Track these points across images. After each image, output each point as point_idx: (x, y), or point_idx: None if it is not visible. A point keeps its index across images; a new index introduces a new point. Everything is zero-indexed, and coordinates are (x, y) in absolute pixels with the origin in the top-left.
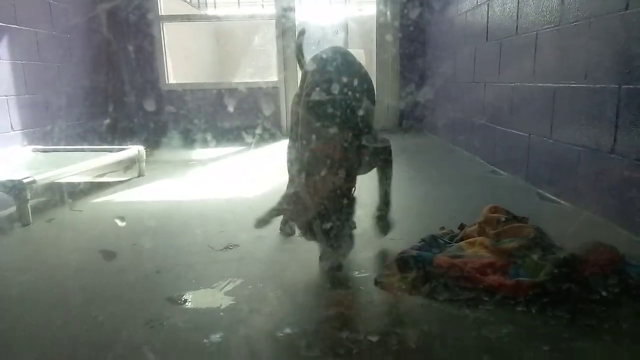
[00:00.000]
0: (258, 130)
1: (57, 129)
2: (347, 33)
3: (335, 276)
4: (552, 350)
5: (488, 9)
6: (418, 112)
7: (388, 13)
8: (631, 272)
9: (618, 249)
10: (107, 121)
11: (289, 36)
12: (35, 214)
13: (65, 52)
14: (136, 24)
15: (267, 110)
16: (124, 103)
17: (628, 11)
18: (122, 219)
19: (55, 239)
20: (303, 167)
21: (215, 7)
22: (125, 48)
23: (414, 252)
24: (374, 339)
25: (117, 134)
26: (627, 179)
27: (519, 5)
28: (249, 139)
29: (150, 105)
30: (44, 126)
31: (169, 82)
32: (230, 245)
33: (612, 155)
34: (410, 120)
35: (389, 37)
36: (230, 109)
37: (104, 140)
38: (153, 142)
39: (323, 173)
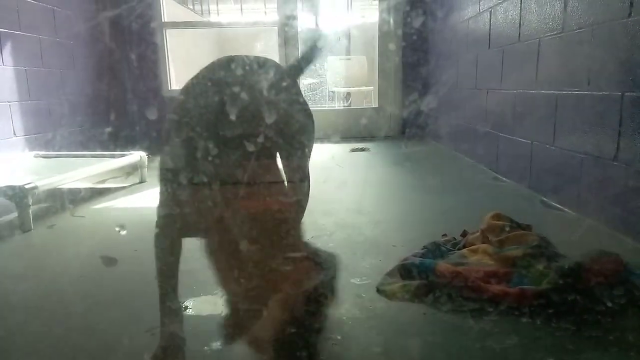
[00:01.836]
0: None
1: (59, 136)
2: (350, 40)
3: None
4: None
5: (490, 17)
6: (421, 120)
7: (391, 21)
8: (636, 282)
9: (622, 257)
10: (109, 129)
11: (292, 44)
12: (36, 220)
13: (69, 59)
14: (139, 31)
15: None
16: (126, 111)
17: (631, 19)
18: (122, 227)
19: (56, 245)
20: None
21: (218, 14)
22: (128, 56)
23: (417, 260)
24: (377, 349)
25: (119, 142)
26: (631, 187)
27: (522, 12)
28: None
29: (152, 114)
30: (46, 133)
31: (172, 88)
32: None
33: (615, 163)
34: (413, 128)
35: (392, 46)
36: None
37: (105, 148)
38: (155, 149)
39: None
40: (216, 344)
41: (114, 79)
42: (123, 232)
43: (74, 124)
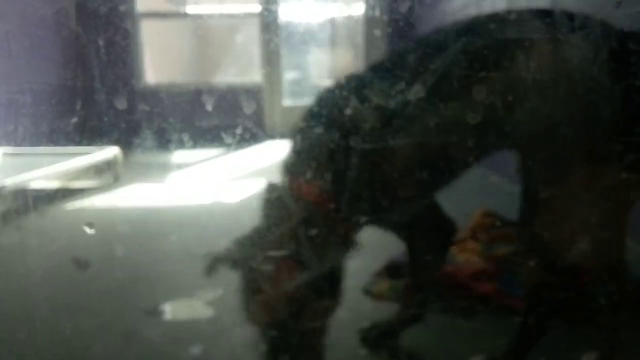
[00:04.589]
0: (238, 131)
1: (21, 127)
2: (335, 32)
3: None
4: None
5: (477, 9)
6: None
7: (376, 7)
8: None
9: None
10: (75, 120)
11: (273, 34)
12: (2, 220)
13: (34, 49)
14: (107, 15)
15: (248, 111)
16: (94, 100)
17: (620, 11)
18: (90, 225)
19: (23, 247)
20: None
21: (196, 4)
22: (97, 41)
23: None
24: (364, 351)
25: (86, 133)
26: None
27: (510, 5)
28: (228, 141)
29: (121, 104)
30: (9, 127)
31: (147, 81)
32: (211, 253)
33: None
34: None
35: (377, 32)
36: (209, 108)
37: (71, 140)
38: (125, 142)
39: None
40: (195, 350)
41: (80, 66)
42: (91, 231)
43: (37, 114)
